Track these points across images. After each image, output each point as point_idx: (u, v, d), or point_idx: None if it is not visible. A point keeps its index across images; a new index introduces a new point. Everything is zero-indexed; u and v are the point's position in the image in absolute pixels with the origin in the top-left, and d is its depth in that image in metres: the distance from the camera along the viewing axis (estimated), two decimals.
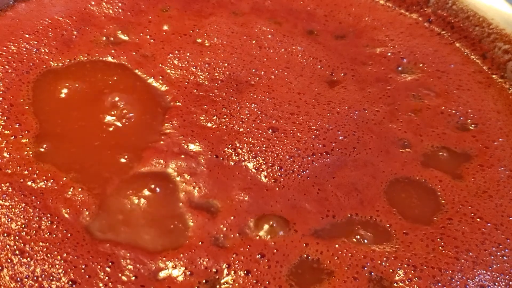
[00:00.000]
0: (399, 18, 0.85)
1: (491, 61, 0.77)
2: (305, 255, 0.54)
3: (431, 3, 0.84)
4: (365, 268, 0.54)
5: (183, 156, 0.61)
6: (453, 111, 0.70)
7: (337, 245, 0.55)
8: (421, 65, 0.77)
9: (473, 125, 0.69)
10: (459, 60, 0.78)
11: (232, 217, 0.56)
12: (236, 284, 0.51)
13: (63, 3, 0.80)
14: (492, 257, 0.55)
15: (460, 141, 0.67)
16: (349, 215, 0.58)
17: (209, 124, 0.65)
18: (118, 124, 0.65)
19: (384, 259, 0.54)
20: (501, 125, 0.69)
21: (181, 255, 0.53)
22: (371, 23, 0.83)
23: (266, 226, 0.56)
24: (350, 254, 0.54)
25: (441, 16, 0.83)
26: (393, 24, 0.83)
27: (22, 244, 0.53)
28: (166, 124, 0.65)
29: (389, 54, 0.78)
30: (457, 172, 0.63)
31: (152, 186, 0.58)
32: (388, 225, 0.57)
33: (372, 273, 0.53)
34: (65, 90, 0.68)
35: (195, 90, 0.69)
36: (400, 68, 0.77)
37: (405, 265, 0.54)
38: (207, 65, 0.72)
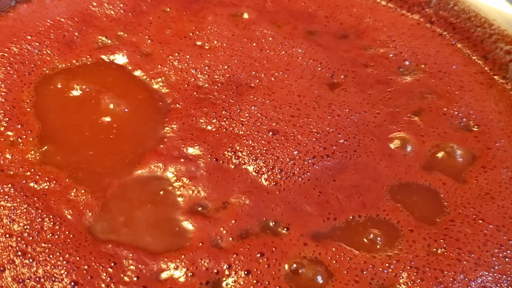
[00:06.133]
0: (400, 19, 0.85)
1: (493, 62, 0.77)
2: (306, 258, 0.54)
3: (432, 4, 0.84)
4: (364, 272, 0.53)
5: (182, 160, 0.61)
6: (455, 113, 0.70)
7: (339, 248, 0.55)
8: (423, 66, 0.77)
9: (475, 126, 0.69)
10: (461, 61, 0.78)
11: (233, 221, 0.56)
12: (238, 285, 0.52)
13: (65, 4, 0.80)
14: (494, 258, 0.55)
15: (462, 143, 0.67)
16: (351, 217, 0.58)
17: (209, 127, 0.65)
18: (119, 126, 0.65)
19: (387, 264, 0.54)
20: (503, 126, 0.69)
21: (183, 256, 0.53)
22: (373, 24, 0.83)
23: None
24: (349, 258, 0.54)
25: (442, 17, 0.83)
26: (395, 25, 0.83)
27: (24, 245, 0.53)
28: (166, 128, 0.65)
29: (390, 55, 0.78)
30: (460, 174, 0.63)
31: (152, 189, 0.59)
32: (396, 222, 0.57)
33: (374, 279, 0.53)
34: (66, 92, 0.68)
35: (195, 93, 0.69)
36: (401, 70, 0.76)
37: (408, 267, 0.54)
38: (207, 67, 0.72)
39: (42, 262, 0.52)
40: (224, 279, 0.52)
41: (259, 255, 0.54)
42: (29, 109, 0.66)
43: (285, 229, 0.56)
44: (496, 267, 0.54)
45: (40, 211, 0.55)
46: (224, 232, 0.56)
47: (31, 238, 0.53)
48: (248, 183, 0.60)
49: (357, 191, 0.60)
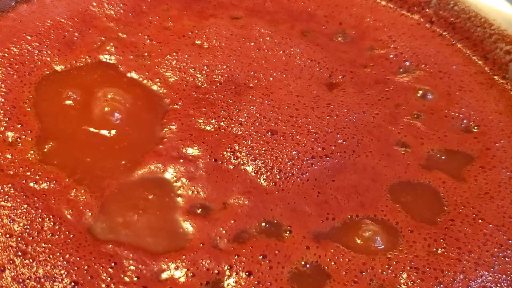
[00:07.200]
0: (400, 19, 0.85)
1: (493, 62, 0.77)
2: (306, 258, 0.54)
3: (432, 4, 0.84)
4: (363, 273, 0.53)
5: (181, 160, 0.61)
6: (456, 114, 0.70)
7: (338, 249, 0.55)
8: (423, 66, 0.77)
9: (475, 127, 0.69)
10: (461, 61, 0.78)
11: (232, 221, 0.56)
12: (238, 286, 0.52)
13: (65, 4, 0.80)
14: (494, 258, 0.55)
15: (461, 143, 0.67)
16: (349, 216, 0.58)
17: (208, 128, 0.65)
18: (118, 126, 0.65)
19: (386, 266, 0.54)
20: (503, 126, 0.69)
21: (183, 256, 0.53)
22: (373, 24, 0.83)
23: None
24: (347, 259, 0.54)
25: (442, 17, 0.83)
26: (395, 25, 0.83)
27: (24, 245, 0.53)
28: (165, 128, 0.65)
29: (391, 56, 0.78)
30: (459, 174, 0.63)
31: (152, 190, 0.59)
32: (395, 223, 0.57)
33: (373, 280, 0.53)
34: (66, 92, 0.68)
35: (194, 93, 0.69)
36: (401, 70, 0.76)
37: (408, 268, 0.54)
38: (205, 67, 0.72)
39: (42, 262, 0.52)
40: (225, 279, 0.52)
41: (261, 257, 0.54)
42: (29, 109, 0.66)
43: (287, 232, 0.56)
44: (496, 267, 0.55)
45: (40, 211, 0.55)
46: (224, 232, 0.56)
47: (31, 238, 0.53)
48: (247, 184, 0.60)
49: (356, 191, 0.60)
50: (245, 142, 0.63)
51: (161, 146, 0.63)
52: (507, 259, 0.55)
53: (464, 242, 0.56)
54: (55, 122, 0.65)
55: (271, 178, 0.60)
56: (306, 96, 0.69)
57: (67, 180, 0.59)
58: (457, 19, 0.82)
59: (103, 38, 0.76)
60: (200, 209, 0.58)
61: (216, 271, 0.53)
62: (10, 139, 0.62)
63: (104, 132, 0.64)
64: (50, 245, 0.53)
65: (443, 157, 0.65)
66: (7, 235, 0.54)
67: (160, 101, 0.68)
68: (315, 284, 0.53)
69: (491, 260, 0.55)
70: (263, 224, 0.57)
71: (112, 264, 0.52)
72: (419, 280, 0.53)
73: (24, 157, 0.60)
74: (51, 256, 0.52)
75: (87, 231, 0.55)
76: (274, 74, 0.72)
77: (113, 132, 0.64)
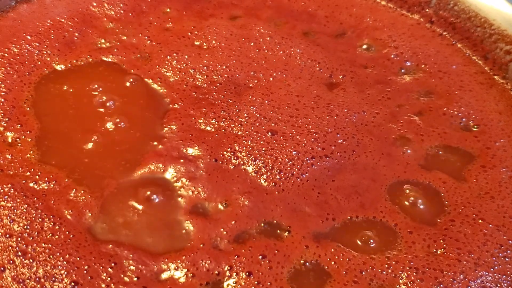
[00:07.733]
0: (400, 19, 0.85)
1: (493, 62, 0.77)
2: (305, 259, 0.54)
3: (432, 4, 0.84)
4: (363, 273, 0.53)
5: (182, 160, 0.61)
6: (455, 112, 0.70)
7: (338, 249, 0.55)
8: (423, 66, 0.77)
9: (475, 126, 0.69)
10: (461, 61, 0.78)
11: (232, 222, 0.56)
12: (238, 286, 0.52)
13: (65, 4, 0.80)
14: (494, 258, 0.55)
15: (461, 142, 0.67)
16: (349, 217, 0.58)
17: (208, 128, 0.65)
18: (118, 126, 0.65)
19: (386, 266, 0.54)
20: (503, 126, 0.69)
21: (183, 257, 0.53)
22: (373, 24, 0.83)
23: None
24: (348, 259, 0.54)
25: (442, 17, 0.83)
26: (395, 25, 0.83)
27: (24, 246, 0.53)
28: (165, 128, 0.65)
29: (392, 56, 0.78)
30: (460, 173, 0.63)
31: (152, 190, 0.58)
32: (394, 224, 0.57)
33: (373, 280, 0.53)
34: (66, 92, 0.68)
35: (194, 93, 0.69)
36: (402, 70, 0.76)
37: (407, 268, 0.54)
38: (205, 67, 0.72)
39: (42, 262, 0.52)
40: (225, 280, 0.52)
41: (261, 257, 0.54)
42: (28, 109, 0.66)
43: (286, 231, 0.56)
44: (496, 267, 0.54)
45: (40, 211, 0.56)
46: (224, 232, 0.56)
47: (31, 238, 0.53)
48: (247, 184, 0.60)
49: (356, 191, 0.60)
50: (245, 142, 0.63)
51: (161, 146, 0.63)
52: (507, 259, 0.55)
53: (464, 243, 0.56)
54: (55, 122, 0.65)
55: (271, 178, 0.60)
56: (306, 96, 0.69)
57: (66, 180, 0.59)
58: (457, 19, 0.82)
59: (103, 39, 0.76)
60: (200, 210, 0.58)
61: (216, 272, 0.53)
62: (9, 139, 0.62)
63: (103, 132, 0.64)
64: (50, 245, 0.53)
65: (443, 156, 0.65)
66: (7, 235, 0.54)
67: (161, 100, 0.68)
68: (315, 284, 0.53)
69: (491, 261, 0.55)
70: (263, 224, 0.57)
71: (112, 264, 0.52)
72: (418, 280, 0.53)
73: (24, 157, 0.60)
74: (51, 256, 0.52)
75: (87, 231, 0.55)
76: (274, 74, 0.72)
77: (113, 132, 0.64)
